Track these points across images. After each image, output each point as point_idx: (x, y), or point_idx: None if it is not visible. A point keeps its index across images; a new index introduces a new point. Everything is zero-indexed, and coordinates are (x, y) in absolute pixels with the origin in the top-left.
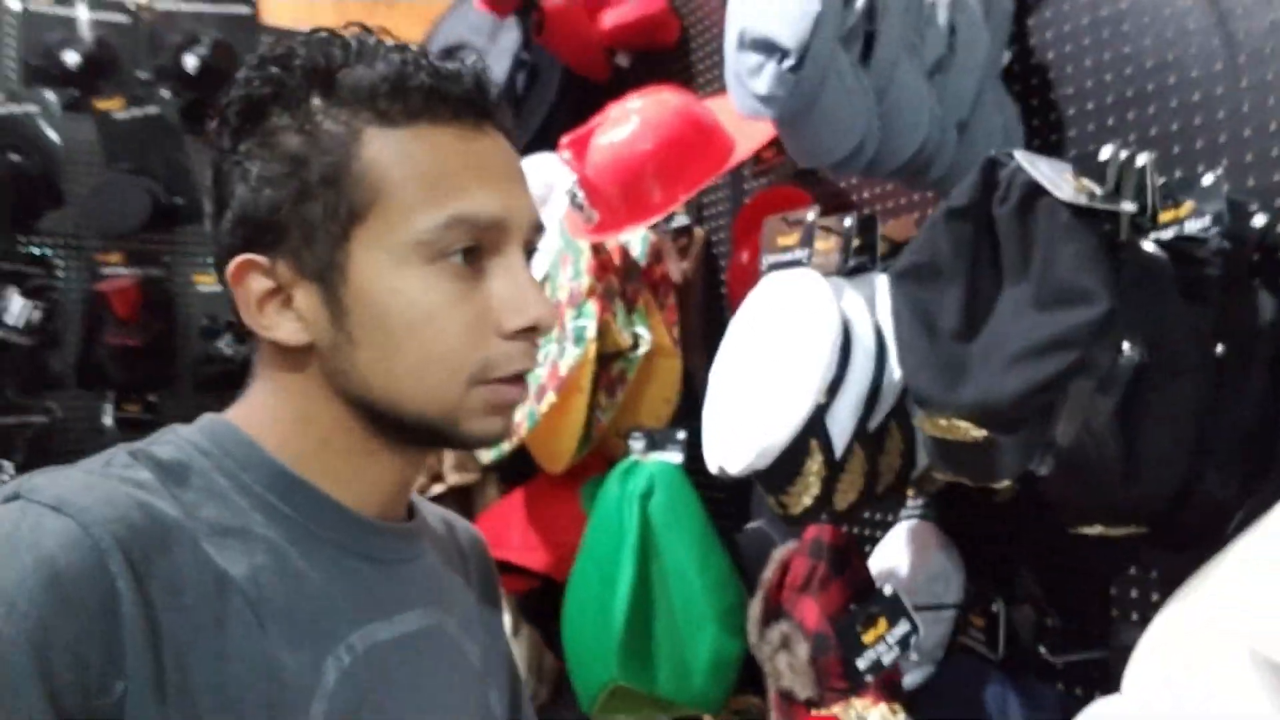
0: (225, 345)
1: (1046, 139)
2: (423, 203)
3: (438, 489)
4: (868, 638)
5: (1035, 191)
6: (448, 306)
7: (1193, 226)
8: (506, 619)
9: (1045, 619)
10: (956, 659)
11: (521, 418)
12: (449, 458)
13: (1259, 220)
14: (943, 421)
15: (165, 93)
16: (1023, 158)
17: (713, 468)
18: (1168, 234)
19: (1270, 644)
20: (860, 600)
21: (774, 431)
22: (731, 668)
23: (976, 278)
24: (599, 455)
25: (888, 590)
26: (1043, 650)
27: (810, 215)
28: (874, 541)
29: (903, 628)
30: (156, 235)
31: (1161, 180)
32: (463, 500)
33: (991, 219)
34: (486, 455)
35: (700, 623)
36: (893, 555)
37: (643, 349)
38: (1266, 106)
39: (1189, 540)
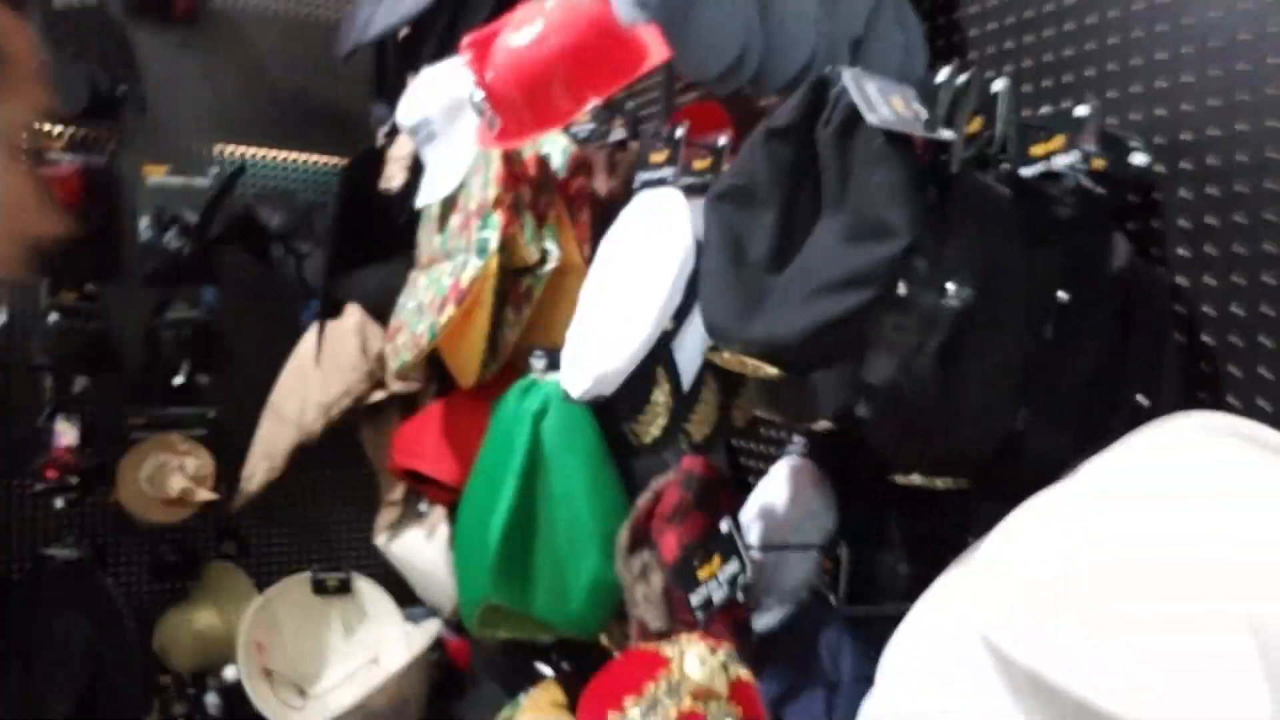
0: (171, 239)
1: (950, 61)
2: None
3: (379, 395)
4: (702, 574)
5: (858, 114)
6: None
7: (1062, 162)
8: (444, 529)
9: (899, 566)
10: (807, 602)
11: (423, 330)
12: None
13: (1139, 159)
14: (730, 355)
15: None
16: (850, 76)
17: (563, 390)
18: (1035, 169)
19: (998, 632)
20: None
21: (613, 358)
22: (611, 594)
23: (795, 205)
24: (514, 371)
25: (724, 527)
26: (832, 599)
27: (679, 132)
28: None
29: (733, 566)
30: (101, 124)
31: (1049, 110)
32: (407, 407)
33: (815, 142)
34: (392, 363)
35: (584, 547)
36: (770, 492)
37: (550, 265)
38: (1154, 33)
39: (1019, 494)
